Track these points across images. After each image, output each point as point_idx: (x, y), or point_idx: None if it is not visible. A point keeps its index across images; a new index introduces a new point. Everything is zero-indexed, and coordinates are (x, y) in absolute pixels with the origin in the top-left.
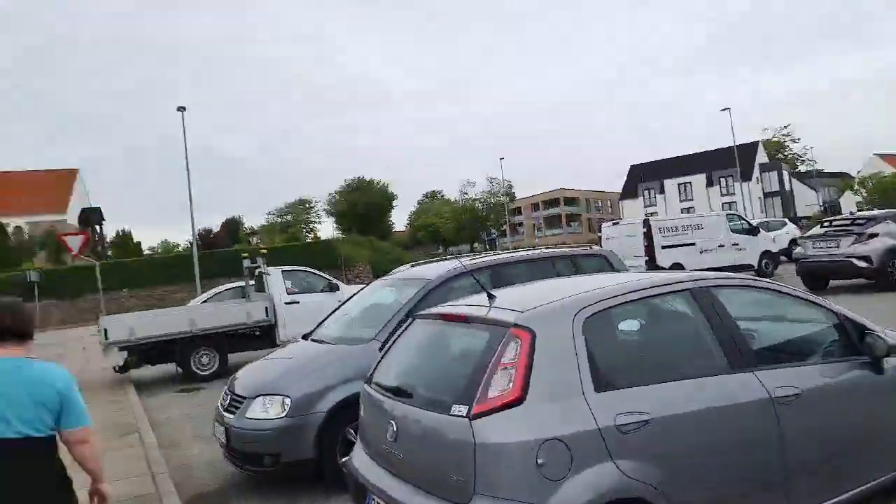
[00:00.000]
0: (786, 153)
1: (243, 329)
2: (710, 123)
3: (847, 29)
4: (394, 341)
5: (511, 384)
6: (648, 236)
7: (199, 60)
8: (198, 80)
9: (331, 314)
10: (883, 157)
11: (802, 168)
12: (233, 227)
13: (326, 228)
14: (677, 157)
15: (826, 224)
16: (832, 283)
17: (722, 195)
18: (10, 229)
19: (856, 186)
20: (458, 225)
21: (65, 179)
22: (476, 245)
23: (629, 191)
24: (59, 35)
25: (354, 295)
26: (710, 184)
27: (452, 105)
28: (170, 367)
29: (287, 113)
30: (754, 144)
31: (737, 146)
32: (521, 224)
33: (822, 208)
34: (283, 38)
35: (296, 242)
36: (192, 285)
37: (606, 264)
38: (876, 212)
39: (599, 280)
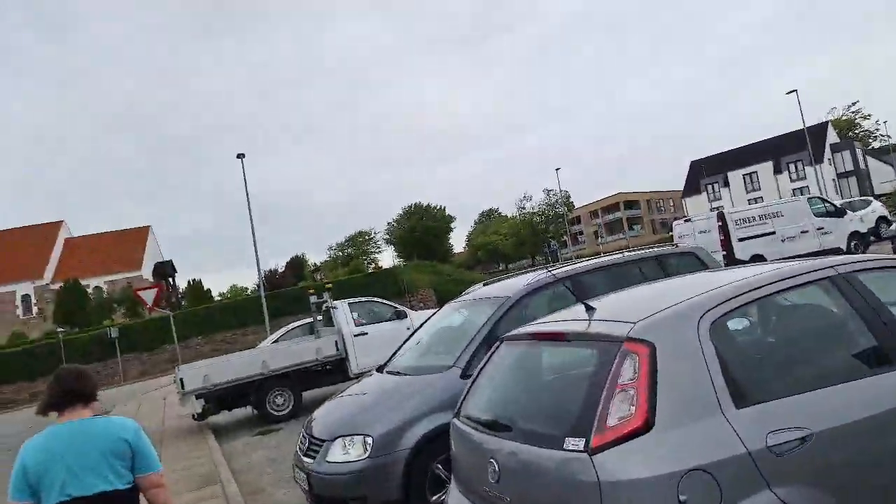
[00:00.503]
0: (857, 131)
1: (315, 366)
2: (767, 112)
3: None
4: (481, 368)
5: (634, 409)
6: (724, 230)
7: (255, 104)
8: (254, 125)
9: (404, 343)
10: None
11: (876, 144)
12: (297, 265)
13: (387, 257)
14: (739, 147)
15: None
16: None
17: (792, 181)
18: (89, 290)
19: None
20: (517, 240)
21: (138, 237)
22: (538, 258)
23: (691, 188)
24: (119, 101)
25: (426, 321)
26: (777, 171)
27: (503, 126)
28: (246, 411)
29: (342, 145)
30: (823, 125)
31: (806, 128)
32: (581, 233)
33: None
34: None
35: (358, 274)
36: (261, 326)
37: (697, 262)
38: None
39: (713, 278)
